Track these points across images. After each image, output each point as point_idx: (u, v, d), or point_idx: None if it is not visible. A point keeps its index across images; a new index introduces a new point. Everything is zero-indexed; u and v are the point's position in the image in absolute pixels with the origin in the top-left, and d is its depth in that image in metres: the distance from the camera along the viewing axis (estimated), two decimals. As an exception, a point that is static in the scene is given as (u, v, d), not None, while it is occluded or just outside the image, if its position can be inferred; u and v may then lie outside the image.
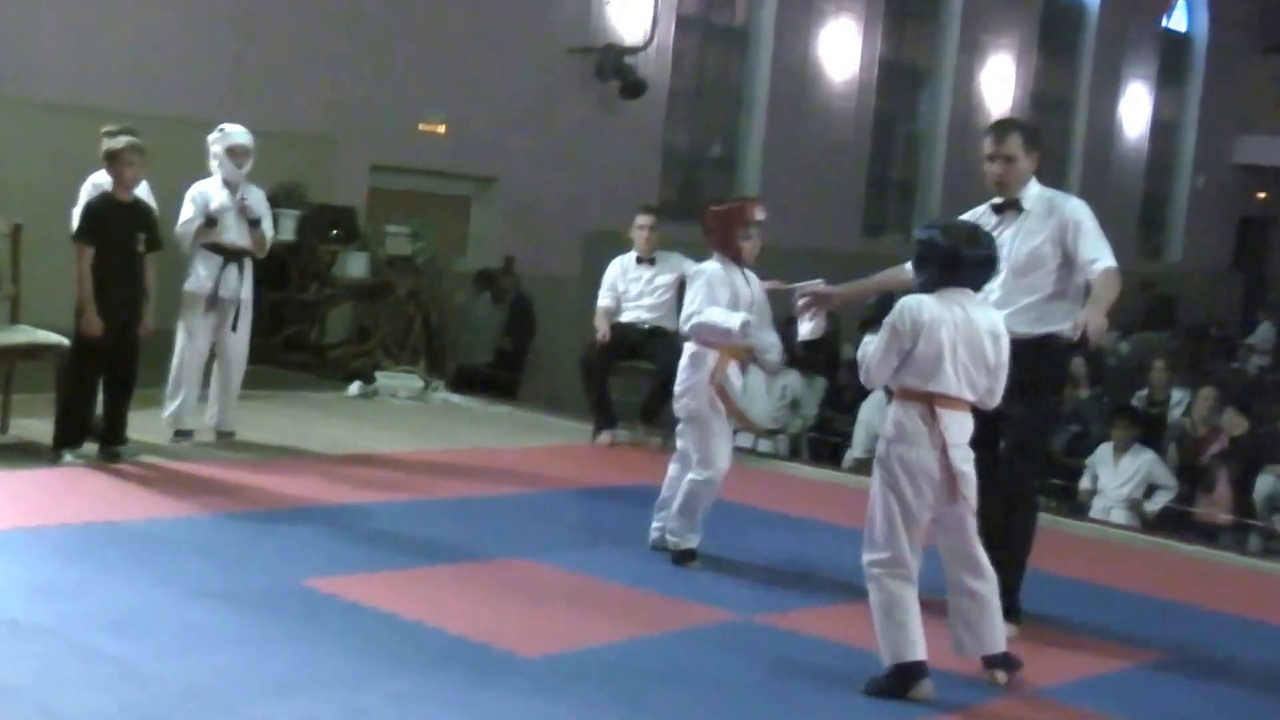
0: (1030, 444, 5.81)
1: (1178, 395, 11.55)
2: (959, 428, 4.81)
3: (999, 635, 5.00)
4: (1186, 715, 5.02)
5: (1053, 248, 5.71)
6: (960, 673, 5.23)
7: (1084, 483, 9.67)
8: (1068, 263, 5.70)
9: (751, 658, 5.24)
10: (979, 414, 4.98)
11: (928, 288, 4.90)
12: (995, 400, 4.95)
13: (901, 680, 4.81)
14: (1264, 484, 9.94)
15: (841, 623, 5.78)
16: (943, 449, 4.75)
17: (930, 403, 4.77)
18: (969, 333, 4.81)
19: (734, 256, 6.57)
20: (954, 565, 4.96)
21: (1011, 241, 5.74)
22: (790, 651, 5.36)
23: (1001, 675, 5.01)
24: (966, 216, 5.87)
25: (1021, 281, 5.72)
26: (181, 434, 8.15)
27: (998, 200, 5.84)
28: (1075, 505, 9.68)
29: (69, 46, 10.45)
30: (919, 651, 4.81)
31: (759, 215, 6.61)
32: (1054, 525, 8.26)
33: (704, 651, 5.27)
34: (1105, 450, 9.66)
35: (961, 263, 4.87)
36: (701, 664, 5.13)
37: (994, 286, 5.64)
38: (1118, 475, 9.51)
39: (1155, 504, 9.50)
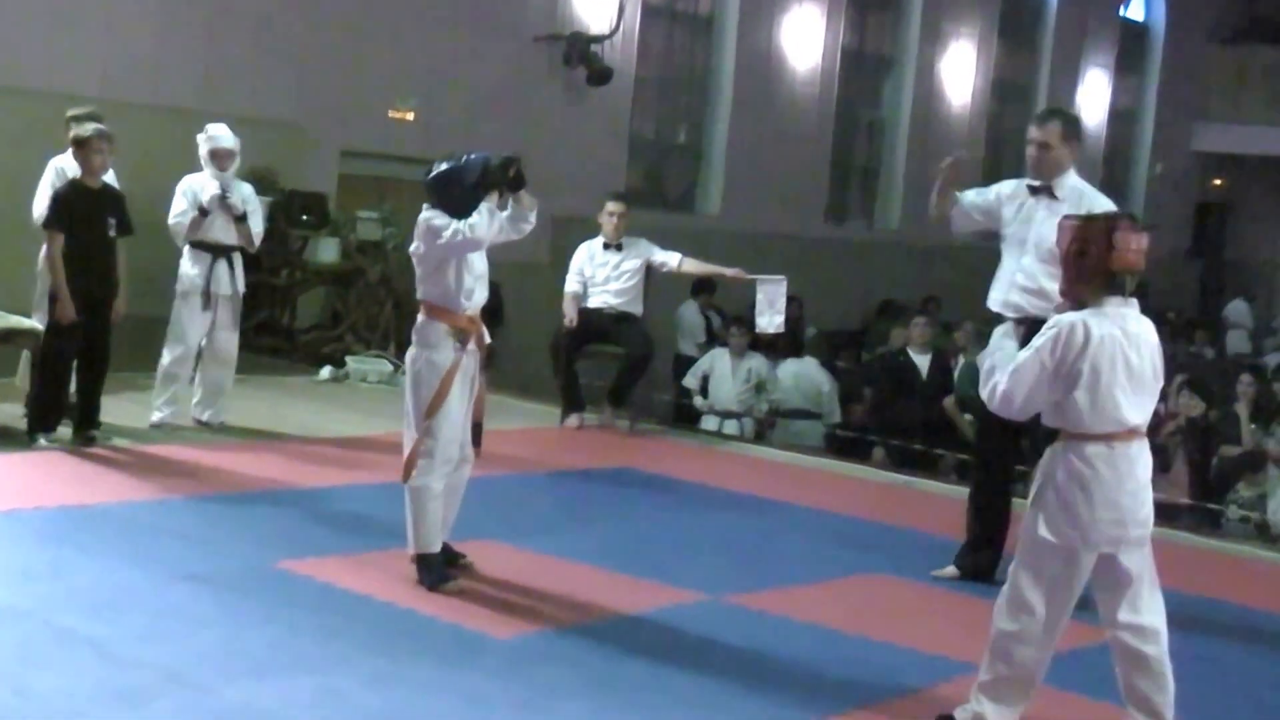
0: None
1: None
2: None
3: None
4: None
5: None
6: (925, 652, 5.35)
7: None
8: None
9: (721, 638, 5.31)
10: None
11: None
12: None
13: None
14: None
15: (808, 603, 5.90)
16: None
17: None
18: None
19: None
20: None
21: (1041, 225, 5.91)
22: (759, 631, 5.44)
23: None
24: (1001, 186, 6.18)
25: (1043, 266, 5.85)
26: (159, 426, 8.17)
27: (1034, 182, 6.07)
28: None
29: (41, 33, 10.44)
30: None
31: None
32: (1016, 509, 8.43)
33: (675, 632, 5.34)
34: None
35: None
36: (672, 644, 5.20)
37: (1017, 266, 5.92)
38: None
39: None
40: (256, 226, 8.39)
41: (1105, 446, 4.35)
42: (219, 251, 8.25)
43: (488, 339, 5.86)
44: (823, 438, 11.41)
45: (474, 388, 5.77)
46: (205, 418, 8.36)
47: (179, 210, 8.17)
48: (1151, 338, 4.46)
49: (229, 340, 8.39)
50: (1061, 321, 4.37)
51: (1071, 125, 6.20)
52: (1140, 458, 4.42)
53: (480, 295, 5.82)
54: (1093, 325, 4.33)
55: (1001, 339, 4.61)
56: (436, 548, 5.69)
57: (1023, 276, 6.02)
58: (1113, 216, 4.59)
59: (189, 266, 8.22)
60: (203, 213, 8.11)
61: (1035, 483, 4.49)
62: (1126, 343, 4.36)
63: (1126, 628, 4.45)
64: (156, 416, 8.17)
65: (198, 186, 8.18)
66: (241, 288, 8.40)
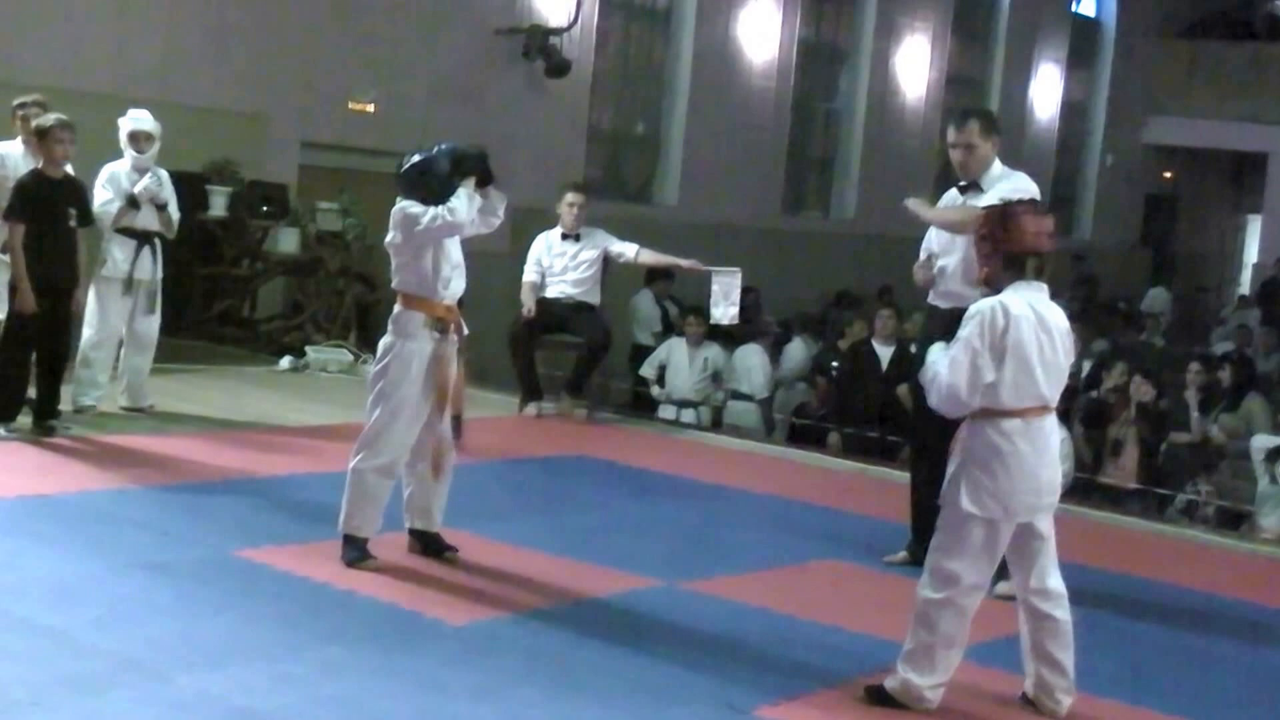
0: None
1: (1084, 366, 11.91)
2: None
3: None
4: (1093, 673, 5.09)
5: None
6: (878, 636, 5.43)
7: None
8: None
9: (676, 624, 5.38)
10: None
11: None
12: None
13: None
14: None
15: (762, 588, 5.98)
16: None
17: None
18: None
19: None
20: None
21: None
22: (713, 617, 5.51)
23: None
24: (946, 197, 6.35)
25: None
26: (82, 409, 8.12)
27: (963, 182, 6.23)
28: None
29: (-1, 23, 10.40)
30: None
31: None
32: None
33: (629, 618, 5.40)
34: None
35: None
36: (627, 630, 5.26)
37: (954, 262, 6.03)
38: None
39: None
40: (175, 214, 8.43)
41: (1022, 422, 4.58)
42: (144, 238, 8.29)
43: (465, 329, 5.90)
44: (759, 417, 11.53)
45: (451, 378, 5.80)
46: (132, 403, 8.38)
47: (104, 199, 8.18)
48: (1061, 322, 4.66)
49: (149, 325, 8.42)
50: (982, 308, 4.58)
51: (988, 120, 6.34)
52: (1053, 431, 4.68)
53: (457, 285, 5.88)
54: (1010, 306, 4.56)
55: (940, 352, 4.72)
56: (365, 534, 5.76)
57: (963, 273, 6.09)
58: (1014, 202, 4.82)
59: (116, 252, 8.25)
60: (133, 204, 8.15)
61: (953, 459, 4.67)
62: (1038, 323, 4.58)
63: (1036, 593, 4.71)
64: (81, 401, 8.12)
65: (120, 174, 8.23)
66: (160, 274, 8.42)
